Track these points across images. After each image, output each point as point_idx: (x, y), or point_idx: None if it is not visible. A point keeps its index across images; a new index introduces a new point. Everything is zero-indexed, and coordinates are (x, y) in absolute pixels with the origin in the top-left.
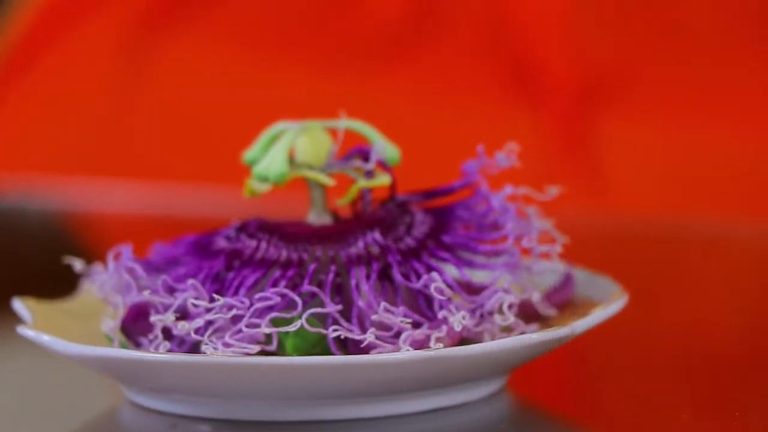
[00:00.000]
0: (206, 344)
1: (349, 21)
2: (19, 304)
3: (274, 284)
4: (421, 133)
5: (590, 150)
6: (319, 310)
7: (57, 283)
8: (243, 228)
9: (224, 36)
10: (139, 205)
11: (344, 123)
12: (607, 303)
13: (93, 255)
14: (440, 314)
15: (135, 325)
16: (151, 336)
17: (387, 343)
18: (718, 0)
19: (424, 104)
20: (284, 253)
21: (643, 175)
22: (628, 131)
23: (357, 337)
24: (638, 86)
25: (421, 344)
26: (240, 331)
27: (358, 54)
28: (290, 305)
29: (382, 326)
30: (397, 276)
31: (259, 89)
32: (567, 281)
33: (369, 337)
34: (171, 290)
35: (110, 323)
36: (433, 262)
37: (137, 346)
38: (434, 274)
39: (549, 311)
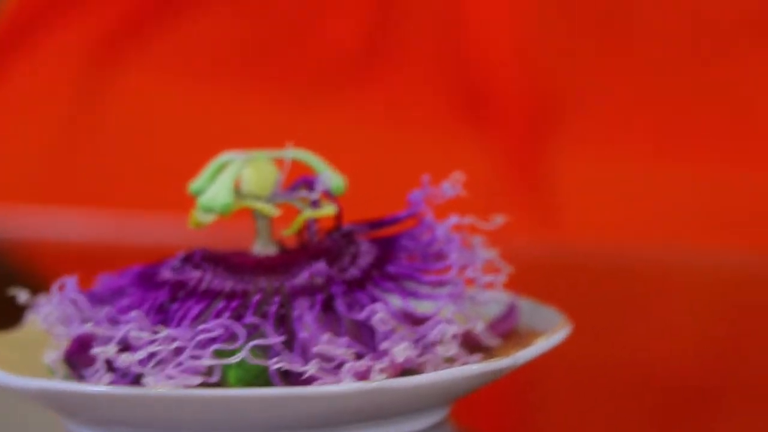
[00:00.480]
0: (148, 376)
1: (300, 50)
2: None
3: (218, 315)
4: (374, 161)
5: (542, 177)
6: (261, 341)
7: (1, 315)
8: (188, 259)
9: (176, 65)
10: (89, 233)
11: (290, 153)
12: (550, 333)
13: (40, 284)
14: (383, 345)
15: (79, 356)
16: (94, 368)
17: (329, 374)
18: (671, 26)
19: (377, 132)
20: (228, 284)
21: (595, 203)
22: (579, 158)
23: (299, 369)
24: (590, 113)
25: (363, 375)
26: (182, 363)
27: (310, 83)
28: (233, 337)
29: (325, 357)
30: (340, 307)
31: (211, 118)
32: (511, 311)
33: (311, 368)
34: (114, 322)
35: (53, 355)
36: (377, 293)
37: (81, 378)
38: (377, 305)
39: (493, 341)
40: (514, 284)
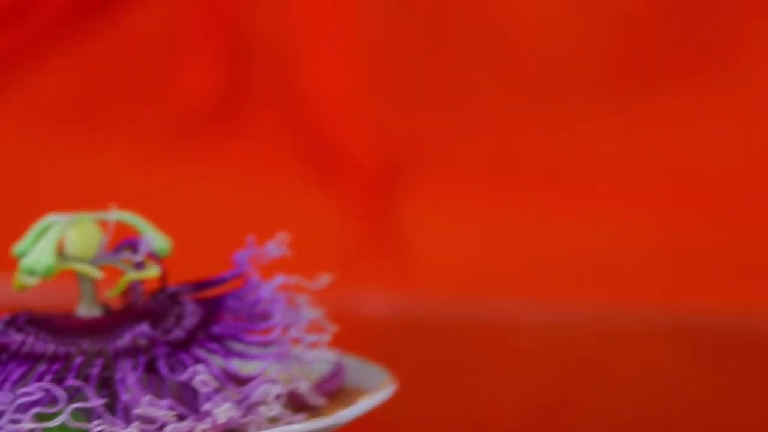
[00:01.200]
0: None
1: (149, 106)
2: None
3: (39, 379)
4: (225, 218)
5: (393, 234)
6: (83, 404)
7: None
8: (11, 322)
9: (18, 118)
10: None
11: (114, 215)
12: (375, 391)
13: None
14: (205, 406)
15: None
16: None
17: None
18: (523, 80)
19: (228, 190)
20: (51, 347)
21: (444, 258)
22: (429, 214)
23: (120, 431)
24: (442, 166)
25: None
26: (2, 427)
27: (158, 139)
28: (54, 400)
29: (147, 419)
30: (163, 369)
31: (55, 174)
32: (337, 370)
33: (132, 430)
34: None
35: None
36: (201, 354)
37: None
38: (199, 366)
39: (318, 401)
40: (365, 340)
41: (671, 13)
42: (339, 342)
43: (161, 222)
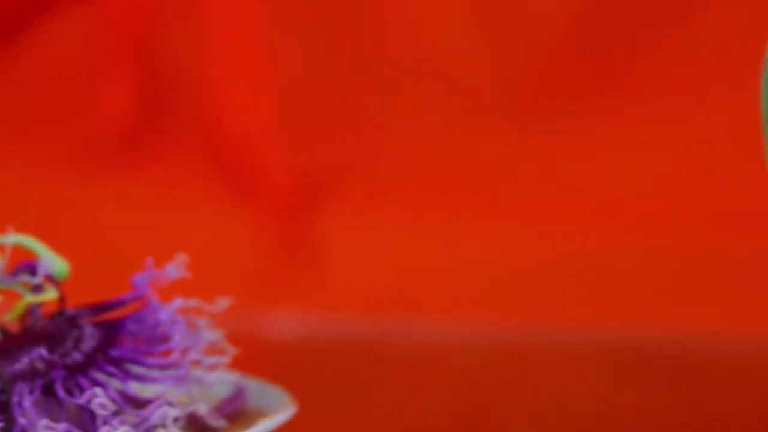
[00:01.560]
0: None
1: (63, 126)
2: None
3: None
4: (136, 240)
5: (308, 253)
6: None
7: None
8: None
9: None
10: None
11: (11, 238)
12: (274, 413)
13: None
14: (102, 430)
15: None
16: None
17: None
18: (438, 97)
19: (145, 211)
20: None
21: (361, 277)
22: (346, 231)
23: None
24: (357, 186)
25: None
26: None
27: (72, 160)
28: None
29: None
30: (60, 392)
31: None
32: (238, 392)
33: None
34: None
35: None
36: (100, 377)
37: None
38: (97, 389)
39: (218, 423)
40: (278, 361)
41: (585, 34)
42: (251, 364)
43: (70, 245)
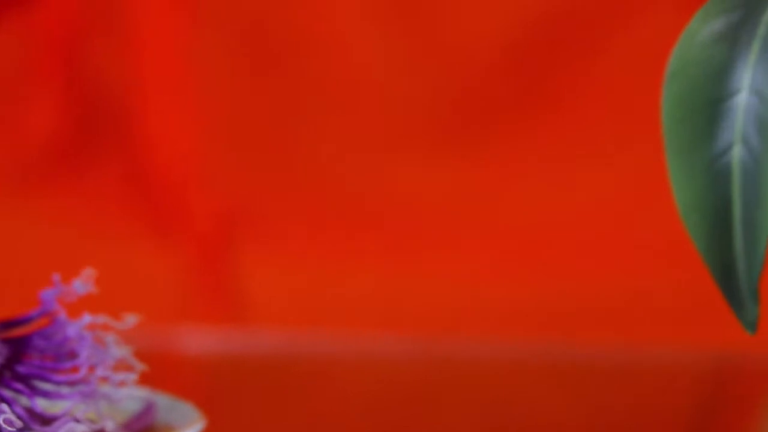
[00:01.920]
0: None
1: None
2: None
3: None
4: (56, 258)
5: (226, 276)
6: None
7: None
8: None
9: None
10: None
11: None
12: (184, 429)
13: None
14: None
15: None
16: None
17: None
18: (356, 131)
19: (65, 239)
20: None
21: (276, 299)
22: (267, 259)
23: None
24: (277, 215)
25: None
26: None
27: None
28: None
29: None
30: None
31: None
32: (147, 409)
33: None
34: None
35: None
36: (6, 394)
37: None
38: (4, 406)
39: None
40: (191, 376)
41: (507, 65)
42: (161, 380)
43: None
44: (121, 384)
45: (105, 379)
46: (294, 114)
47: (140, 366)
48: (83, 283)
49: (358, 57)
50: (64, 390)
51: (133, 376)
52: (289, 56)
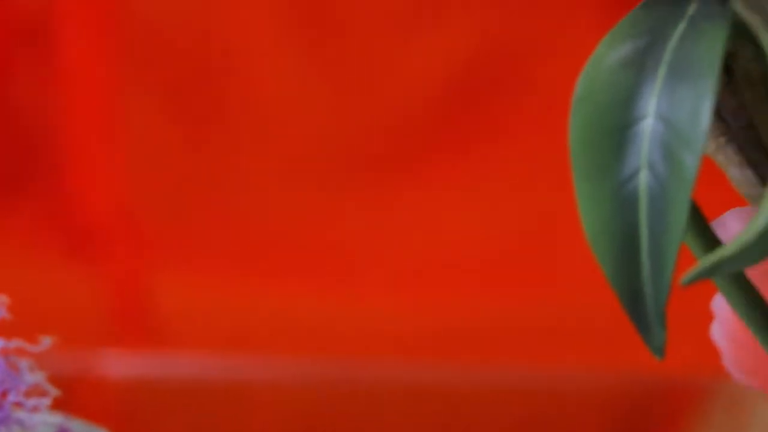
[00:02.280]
0: None
1: None
2: None
3: None
4: None
5: (145, 304)
6: None
7: None
8: None
9: None
10: None
11: None
12: None
13: None
14: None
15: None
16: None
17: None
18: (277, 164)
19: None
20: None
21: (195, 325)
22: (183, 284)
23: None
24: (193, 241)
25: None
26: None
27: None
28: None
29: None
30: None
31: None
32: None
33: None
34: None
35: None
36: None
37: None
38: None
39: None
40: (108, 401)
41: (434, 95)
42: (82, 406)
43: None
44: (35, 409)
45: (18, 404)
46: (211, 145)
47: (54, 391)
48: None
49: (283, 90)
50: None
51: (47, 401)
52: (208, 89)
